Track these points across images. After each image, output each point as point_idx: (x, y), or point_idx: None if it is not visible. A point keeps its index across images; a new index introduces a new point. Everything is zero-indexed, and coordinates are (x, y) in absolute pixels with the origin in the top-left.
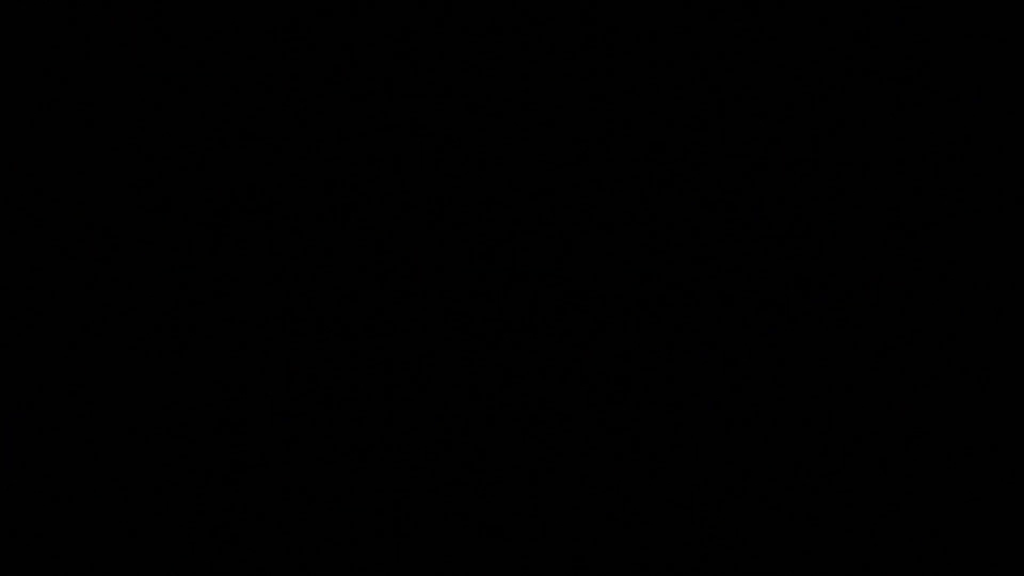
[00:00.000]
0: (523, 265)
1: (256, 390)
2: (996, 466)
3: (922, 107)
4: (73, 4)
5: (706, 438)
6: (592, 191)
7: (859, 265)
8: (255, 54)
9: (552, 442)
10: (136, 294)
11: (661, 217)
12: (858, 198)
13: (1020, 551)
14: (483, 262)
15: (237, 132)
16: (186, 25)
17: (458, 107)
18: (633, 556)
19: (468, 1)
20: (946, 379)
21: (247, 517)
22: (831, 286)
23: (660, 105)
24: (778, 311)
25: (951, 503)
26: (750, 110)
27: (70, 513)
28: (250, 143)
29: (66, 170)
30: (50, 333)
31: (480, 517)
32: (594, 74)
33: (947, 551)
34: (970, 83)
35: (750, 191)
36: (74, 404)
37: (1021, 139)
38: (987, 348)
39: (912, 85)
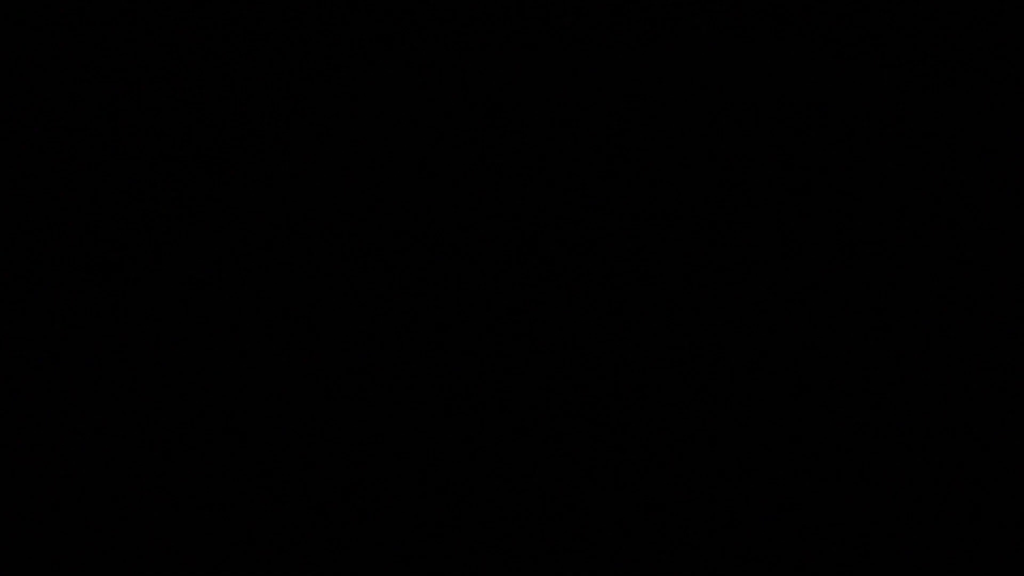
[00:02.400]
0: (522, 265)
1: (254, 390)
2: (995, 468)
3: (922, 107)
4: (73, 4)
5: (704, 439)
6: (591, 191)
7: (858, 265)
8: (255, 54)
9: (551, 442)
10: (135, 293)
11: (661, 217)
12: (857, 198)
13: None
14: (482, 262)
15: (236, 132)
16: (185, 24)
17: (458, 107)
18: (631, 556)
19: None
20: (944, 380)
21: (245, 517)
22: (830, 286)
23: (660, 105)
24: (778, 311)
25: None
26: (750, 110)
27: (69, 513)
28: (250, 143)
29: (66, 170)
30: (49, 332)
31: (479, 517)
32: (593, 74)
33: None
34: (970, 83)
35: (750, 191)
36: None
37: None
38: (986, 349)
39: (912, 86)
